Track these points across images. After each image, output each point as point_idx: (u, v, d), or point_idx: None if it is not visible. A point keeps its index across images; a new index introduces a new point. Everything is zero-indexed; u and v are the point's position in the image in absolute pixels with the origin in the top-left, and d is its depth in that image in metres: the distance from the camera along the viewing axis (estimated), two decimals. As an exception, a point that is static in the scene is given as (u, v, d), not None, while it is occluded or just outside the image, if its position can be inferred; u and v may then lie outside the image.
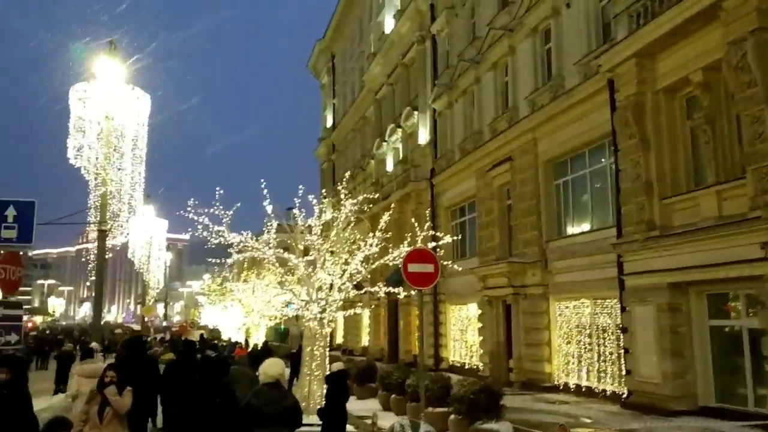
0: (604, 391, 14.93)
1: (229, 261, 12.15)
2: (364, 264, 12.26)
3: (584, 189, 16.86)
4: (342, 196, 12.74)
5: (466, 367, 22.89)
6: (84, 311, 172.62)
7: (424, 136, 27.43)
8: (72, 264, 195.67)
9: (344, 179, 21.54)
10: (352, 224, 12.22)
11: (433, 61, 27.27)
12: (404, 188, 27.25)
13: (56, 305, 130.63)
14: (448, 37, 25.97)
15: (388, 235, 12.90)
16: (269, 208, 11.45)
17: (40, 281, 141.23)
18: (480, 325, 21.54)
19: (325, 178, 47.86)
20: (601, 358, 15.28)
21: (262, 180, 11.30)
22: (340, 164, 43.63)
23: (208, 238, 10.90)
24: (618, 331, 14.63)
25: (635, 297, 13.21)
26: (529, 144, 18.68)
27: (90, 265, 18.41)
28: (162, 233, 32.87)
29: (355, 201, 12.29)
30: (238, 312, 26.65)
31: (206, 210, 10.71)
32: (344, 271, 11.88)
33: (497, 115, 20.97)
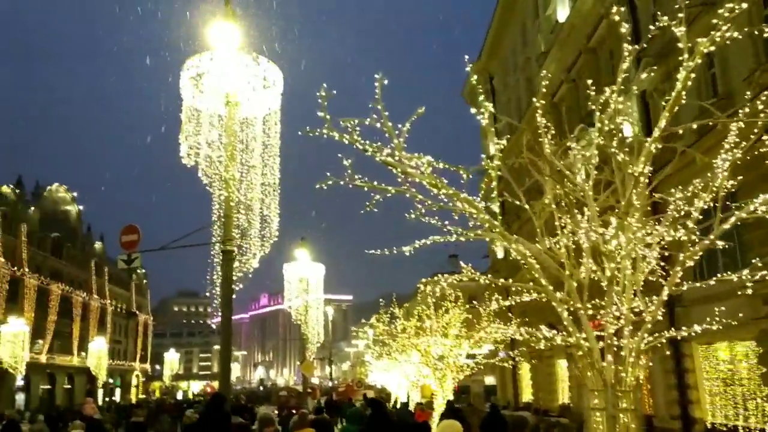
0: None
1: (411, 215, 6.63)
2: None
3: None
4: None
5: (740, 430, 15.95)
6: (258, 374, 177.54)
7: (629, 128, 21.32)
8: (246, 330, 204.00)
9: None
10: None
11: (634, 32, 21.36)
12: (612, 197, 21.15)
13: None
14: (628, 38, 20.01)
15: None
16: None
17: (216, 347, 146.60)
18: (763, 369, 14.73)
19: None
20: None
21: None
22: (514, 197, 38.24)
23: (360, 186, 5.99)
24: None
25: None
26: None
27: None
28: (319, 279, 29.26)
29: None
30: (410, 364, 21.56)
31: (354, 123, 5.85)
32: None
33: (759, 62, 14.67)
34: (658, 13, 6.94)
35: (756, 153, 6.62)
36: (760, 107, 6.70)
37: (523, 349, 25.57)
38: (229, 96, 11.69)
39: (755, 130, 6.92)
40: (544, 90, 7.85)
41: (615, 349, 6.50)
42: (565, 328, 6.93)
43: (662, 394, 19.46)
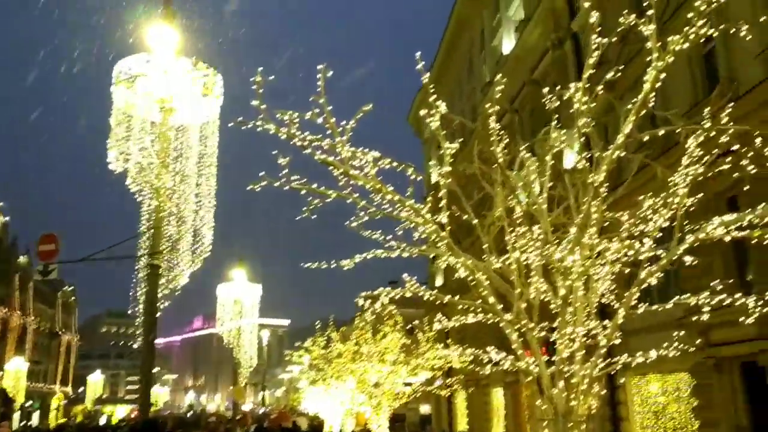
0: None
1: (352, 224, 6.22)
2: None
3: None
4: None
5: (671, 464, 15.99)
6: (188, 399, 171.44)
7: (571, 158, 21.59)
8: (179, 353, 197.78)
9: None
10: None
11: (577, 65, 21.77)
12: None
13: (159, 394, 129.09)
14: (596, 29, 20.49)
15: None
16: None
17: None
18: (695, 402, 14.83)
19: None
20: None
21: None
22: (462, 211, 38.44)
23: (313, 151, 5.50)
24: None
25: None
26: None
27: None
28: (255, 301, 28.37)
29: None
30: (346, 391, 20.87)
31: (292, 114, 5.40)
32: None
33: (697, 98, 15.03)
34: (625, 11, 6.77)
35: (710, 176, 6.54)
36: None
37: (461, 377, 25.32)
38: (165, 101, 11.11)
39: (707, 158, 6.84)
40: (498, 95, 7.58)
41: (567, 375, 6.20)
42: (513, 352, 6.63)
43: (597, 426, 19.44)
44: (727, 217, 6.64)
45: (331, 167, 5.84)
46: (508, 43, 28.29)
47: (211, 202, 11.50)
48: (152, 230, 10.79)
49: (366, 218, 6.30)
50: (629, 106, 6.40)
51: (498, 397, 29.44)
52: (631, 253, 6.71)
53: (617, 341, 6.84)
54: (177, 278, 11.16)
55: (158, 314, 11.03)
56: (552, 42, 23.01)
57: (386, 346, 17.18)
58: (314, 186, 5.75)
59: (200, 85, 11.31)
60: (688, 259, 6.87)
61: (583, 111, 6.45)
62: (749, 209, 6.76)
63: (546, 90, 7.45)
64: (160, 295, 10.68)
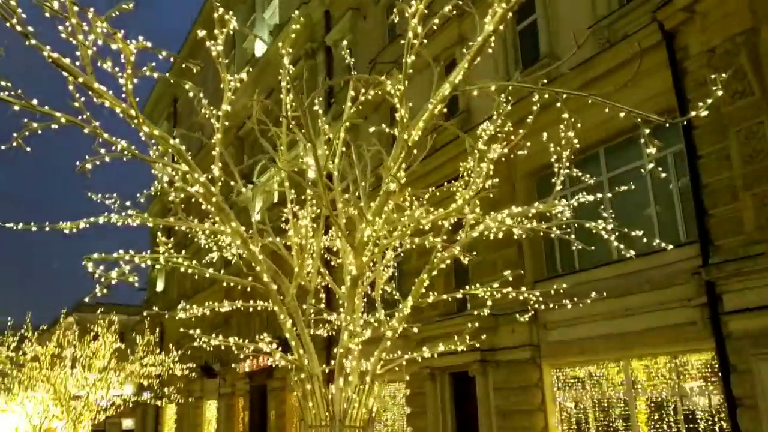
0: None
1: (86, 165, 4.94)
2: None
3: (595, 207, 12.04)
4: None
5: (380, 471, 16.56)
6: None
7: (313, 171, 21.68)
8: None
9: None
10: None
11: (328, 78, 22.04)
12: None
13: None
14: (350, 46, 20.97)
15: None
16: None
17: None
18: (408, 410, 15.55)
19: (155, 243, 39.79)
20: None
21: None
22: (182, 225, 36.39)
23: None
24: (719, 405, 9.59)
25: (760, 347, 8.28)
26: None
27: None
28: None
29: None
30: (36, 402, 17.85)
31: None
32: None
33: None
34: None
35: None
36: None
37: (181, 386, 23.63)
38: None
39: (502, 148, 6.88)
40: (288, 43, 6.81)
41: (347, 373, 5.66)
42: (287, 342, 5.94)
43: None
44: (516, 209, 6.88)
45: (67, 74, 4.53)
46: (261, 45, 27.77)
47: None
48: None
49: (107, 159, 5.08)
50: (465, 50, 5.84)
51: (211, 409, 28.24)
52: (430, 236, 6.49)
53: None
54: None
55: None
56: (306, 50, 23.06)
57: (95, 350, 14.99)
58: (34, 102, 4.35)
59: None
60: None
61: (415, 45, 5.76)
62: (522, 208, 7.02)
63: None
64: None
